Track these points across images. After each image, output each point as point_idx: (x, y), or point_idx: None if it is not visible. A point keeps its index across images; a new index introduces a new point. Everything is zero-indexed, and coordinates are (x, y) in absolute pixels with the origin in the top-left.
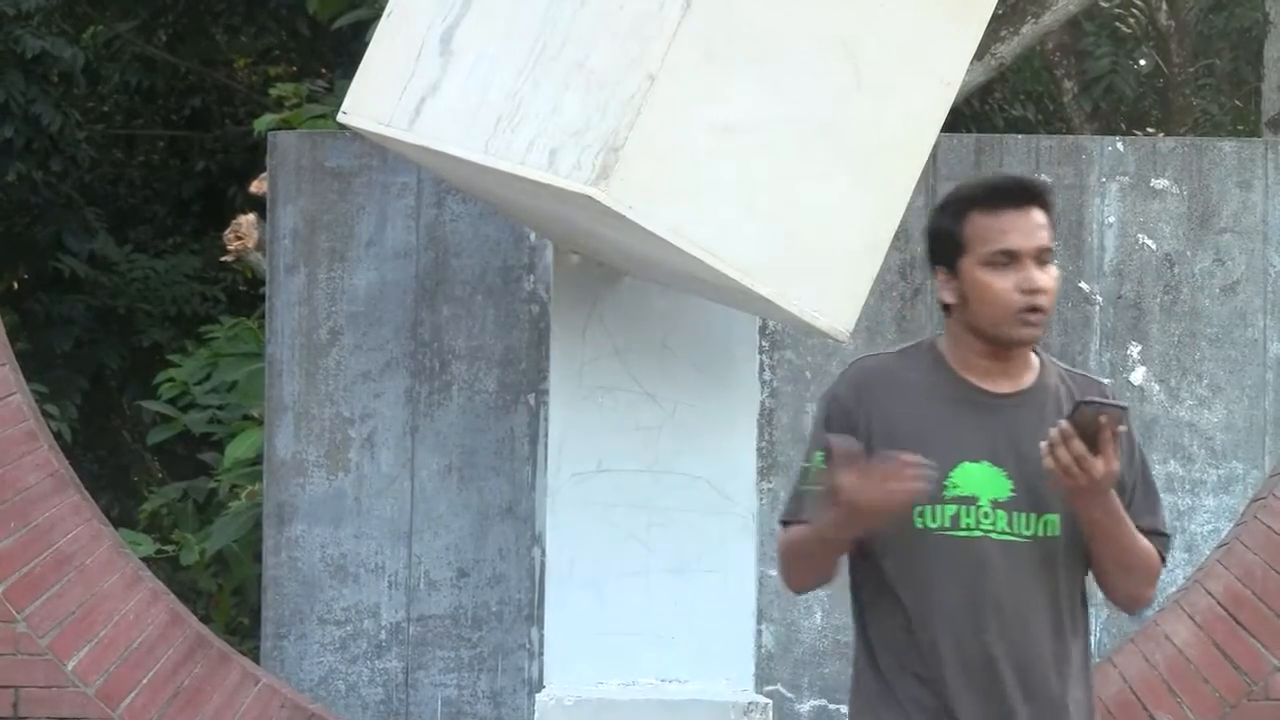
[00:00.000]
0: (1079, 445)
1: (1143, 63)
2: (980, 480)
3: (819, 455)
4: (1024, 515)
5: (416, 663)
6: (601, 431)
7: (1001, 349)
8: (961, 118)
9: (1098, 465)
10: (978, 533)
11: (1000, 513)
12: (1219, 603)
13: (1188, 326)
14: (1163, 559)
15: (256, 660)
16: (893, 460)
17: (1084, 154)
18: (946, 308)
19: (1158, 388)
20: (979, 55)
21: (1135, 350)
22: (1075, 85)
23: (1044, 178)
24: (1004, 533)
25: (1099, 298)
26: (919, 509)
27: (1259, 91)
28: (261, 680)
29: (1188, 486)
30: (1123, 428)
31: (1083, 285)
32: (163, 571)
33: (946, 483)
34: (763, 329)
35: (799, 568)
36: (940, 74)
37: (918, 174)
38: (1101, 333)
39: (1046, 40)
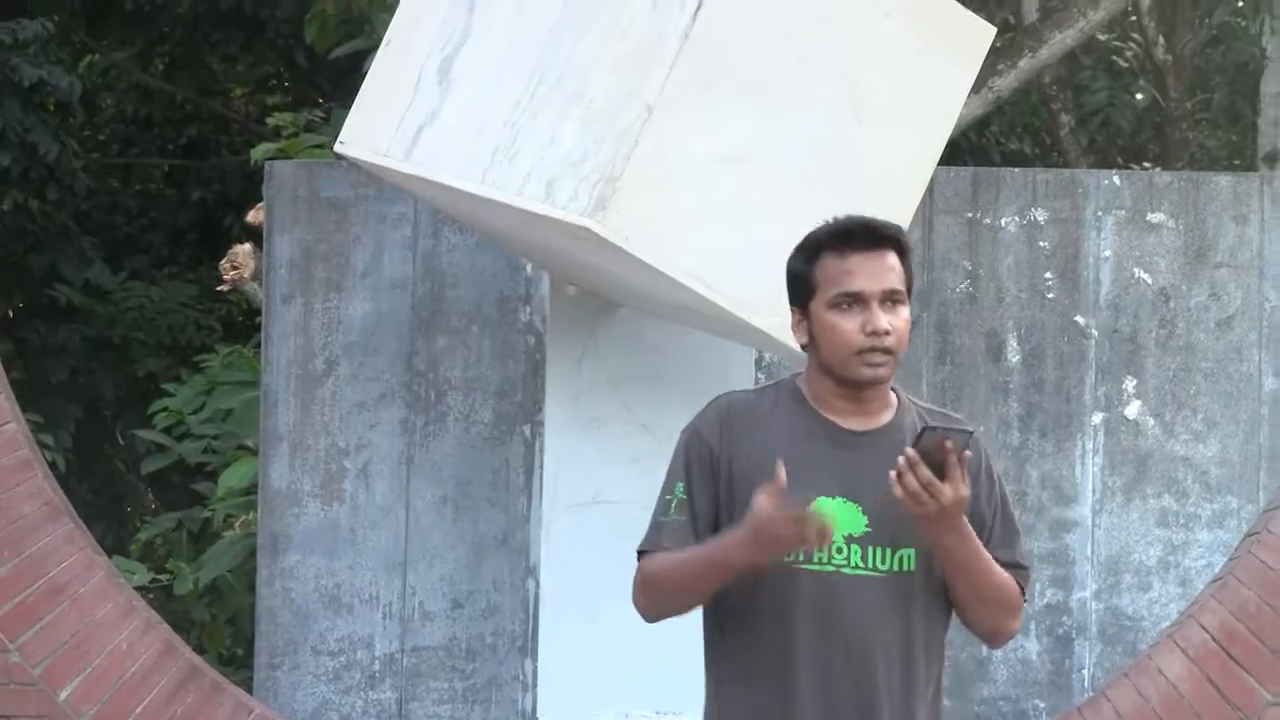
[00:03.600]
0: (926, 472)
1: (1140, 97)
2: (834, 516)
3: (679, 486)
4: (879, 550)
5: (410, 694)
6: (597, 463)
7: (852, 388)
8: (958, 150)
9: (945, 491)
10: (829, 567)
11: (854, 547)
12: (1213, 637)
13: (1183, 361)
14: (1023, 591)
15: (250, 690)
16: (812, 510)
17: (1080, 188)
18: (803, 347)
19: (1152, 421)
20: (976, 88)
21: (1130, 384)
22: (1072, 119)
23: (896, 225)
24: (857, 567)
25: (1094, 331)
26: None
27: (1255, 126)
28: (255, 710)
29: (1182, 521)
30: (969, 452)
31: (1078, 319)
32: (156, 601)
33: None
34: (758, 361)
35: (670, 592)
36: (938, 107)
37: (915, 206)
38: (1097, 366)
39: (1043, 74)
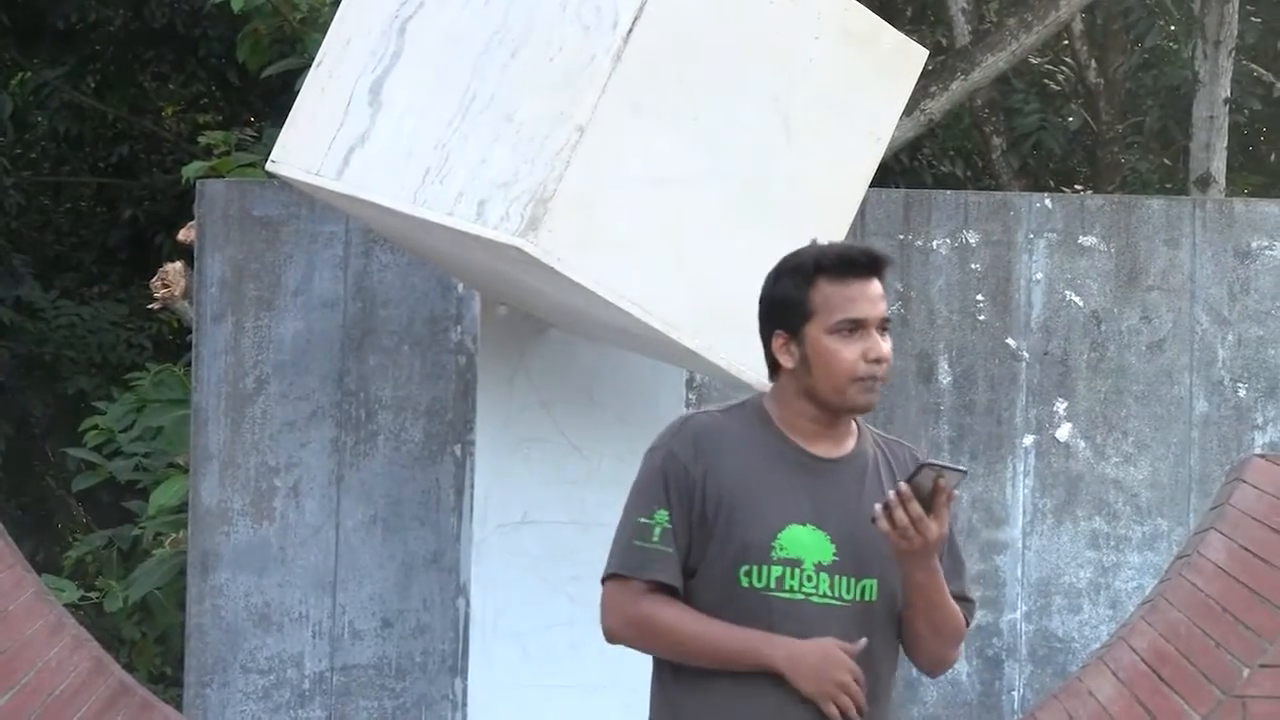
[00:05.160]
0: (917, 508)
1: (1071, 120)
2: (805, 543)
3: (663, 514)
4: (845, 579)
5: (340, 713)
6: (527, 483)
7: (834, 414)
8: (890, 173)
9: (932, 527)
10: (799, 595)
11: (823, 576)
12: (1143, 659)
13: (1114, 383)
14: (967, 623)
15: (180, 708)
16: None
17: (1012, 210)
18: (776, 371)
19: (1083, 444)
20: (908, 111)
21: (1061, 406)
22: (1004, 142)
23: (887, 253)
24: (825, 596)
25: (1026, 354)
26: (745, 567)
27: (1187, 150)
28: None
29: (1112, 543)
30: (958, 492)
31: (1010, 341)
32: (86, 618)
33: (774, 545)
34: (689, 382)
35: (671, 648)
36: (870, 129)
37: (846, 228)
38: (1028, 389)
39: (975, 97)
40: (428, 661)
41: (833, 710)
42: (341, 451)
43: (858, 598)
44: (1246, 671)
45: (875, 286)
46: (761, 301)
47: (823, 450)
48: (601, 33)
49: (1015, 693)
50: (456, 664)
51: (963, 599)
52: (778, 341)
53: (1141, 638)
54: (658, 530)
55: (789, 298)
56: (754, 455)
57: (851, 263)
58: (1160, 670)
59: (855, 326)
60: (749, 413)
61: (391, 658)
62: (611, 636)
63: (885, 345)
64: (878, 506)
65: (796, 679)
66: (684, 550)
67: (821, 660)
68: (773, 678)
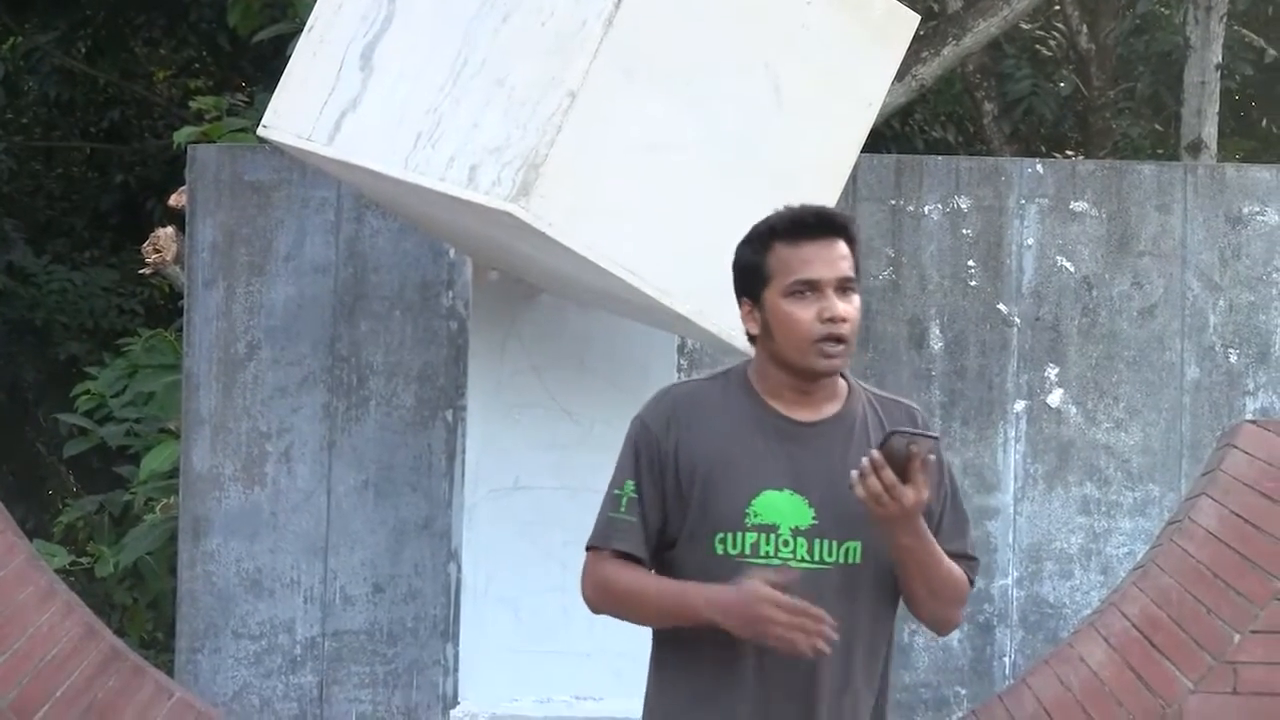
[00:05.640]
0: (890, 475)
1: (1063, 85)
2: (781, 509)
3: (630, 484)
4: (827, 542)
5: (331, 678)
6: (519, 448)
7: (803, 378)
8: (882, 139)
9: (908, 494)
10: (776, 561)
11: (801, 540)
12: (1134, 625)
13: (1105, 349)
14: (971, 582)
15: (171, 674)
16: (813, 612)
17: (1003, 176)
18: (752, 338)
19: (1075, 410)
20: (899, 76)
21: (1053, 372)
22: (995, 107)
23: (848, 214)
24: (804, 560)
25: (1017, 319)
26: (720, 535)
27: (1179, 115)
28: (175, 694)
29: (1104, 509)
30: (932, 456)
31: (1001, 307)
32: (78, 584)
33: (747, 511)
34: (680, 347)
35: (625, 611)
36: (861, 95)
37: (838, 194)
38: (1019, 354)
39: (967, 62)
40: (419, 627)
41: (778, 643)
42: (333, 417)
43: (841, 560)
44: (1237, 637)
45: (833, 248)
46: (731, 271)
47: (803, 415)
48: None
49: (1006, 658)
50: (448, 629)
51: (965, 557)
52: (744, 309)
53: (1133, 604)
54: (624, 500)
55: (749, 264)
56: (733, 423)
57: (802, 224)
58: (1151, 636)
59: (809, 288)
60: (732, 380)
61: (383, 623)
62: (590, 605)
63: (843, 305)
64: (854, 473)
65: (728, 626)
66: (655, 521)
67: (740, 600)
68: (756, 659)
